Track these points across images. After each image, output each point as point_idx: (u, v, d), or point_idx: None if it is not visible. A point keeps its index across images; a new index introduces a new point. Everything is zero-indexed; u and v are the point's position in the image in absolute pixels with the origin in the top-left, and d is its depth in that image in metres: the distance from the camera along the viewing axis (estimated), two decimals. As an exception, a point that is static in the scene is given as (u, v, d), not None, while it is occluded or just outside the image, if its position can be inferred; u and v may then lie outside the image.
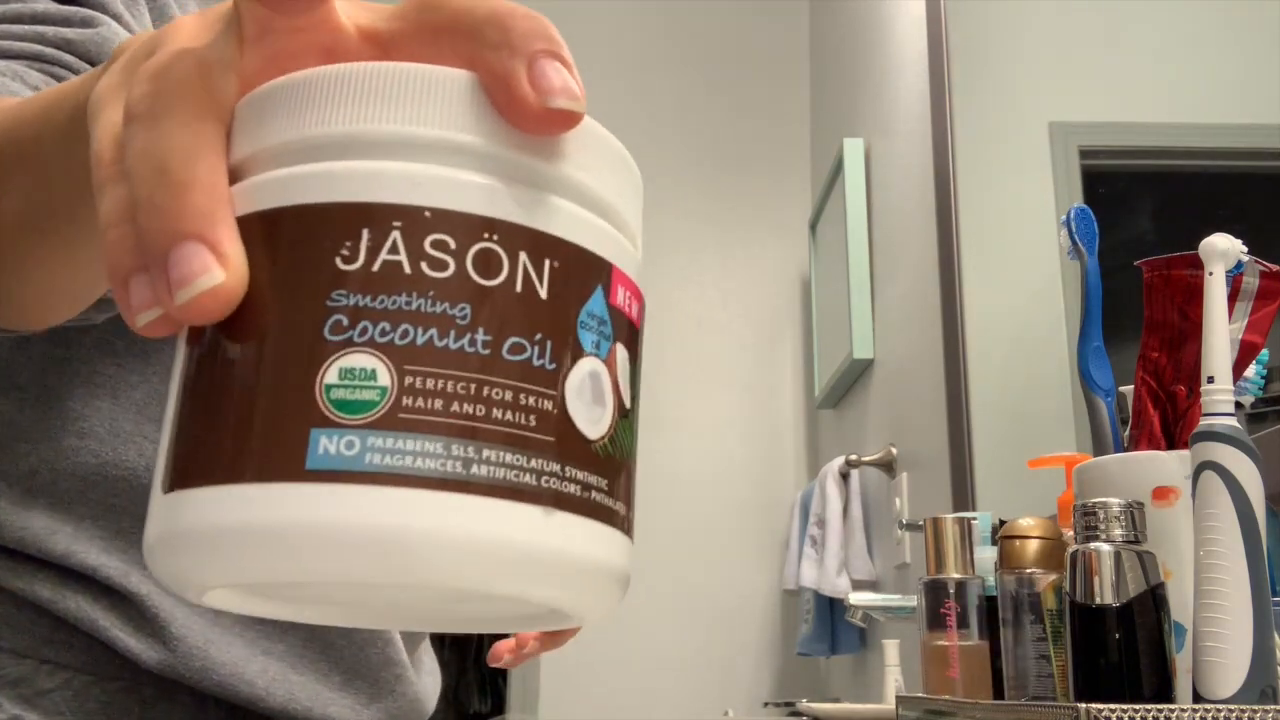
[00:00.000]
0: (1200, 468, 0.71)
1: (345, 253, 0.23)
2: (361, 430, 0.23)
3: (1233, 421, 0.71)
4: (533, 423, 0.24)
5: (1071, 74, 1.74)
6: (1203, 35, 1.40)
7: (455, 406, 0.23)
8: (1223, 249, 0.77)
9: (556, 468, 0.24)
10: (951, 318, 2.05)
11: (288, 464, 0.22)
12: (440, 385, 0.23)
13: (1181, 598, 0.74)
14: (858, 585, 2.53)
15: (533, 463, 0.24)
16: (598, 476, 0.25)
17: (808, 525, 2.72)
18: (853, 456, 2.56)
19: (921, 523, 1.13)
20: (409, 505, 0.22)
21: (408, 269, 0.23)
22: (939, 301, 2.12)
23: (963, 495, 1.95)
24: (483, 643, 5.19)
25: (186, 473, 0.24)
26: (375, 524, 0.22)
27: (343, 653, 0.78)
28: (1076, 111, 1.74)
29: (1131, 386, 0.89)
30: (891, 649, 1.94)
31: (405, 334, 0.23)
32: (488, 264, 0.24)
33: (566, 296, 0.25)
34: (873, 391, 2.65)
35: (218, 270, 0.24)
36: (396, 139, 0.25)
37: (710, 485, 3.17)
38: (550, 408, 0.24)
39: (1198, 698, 0.68)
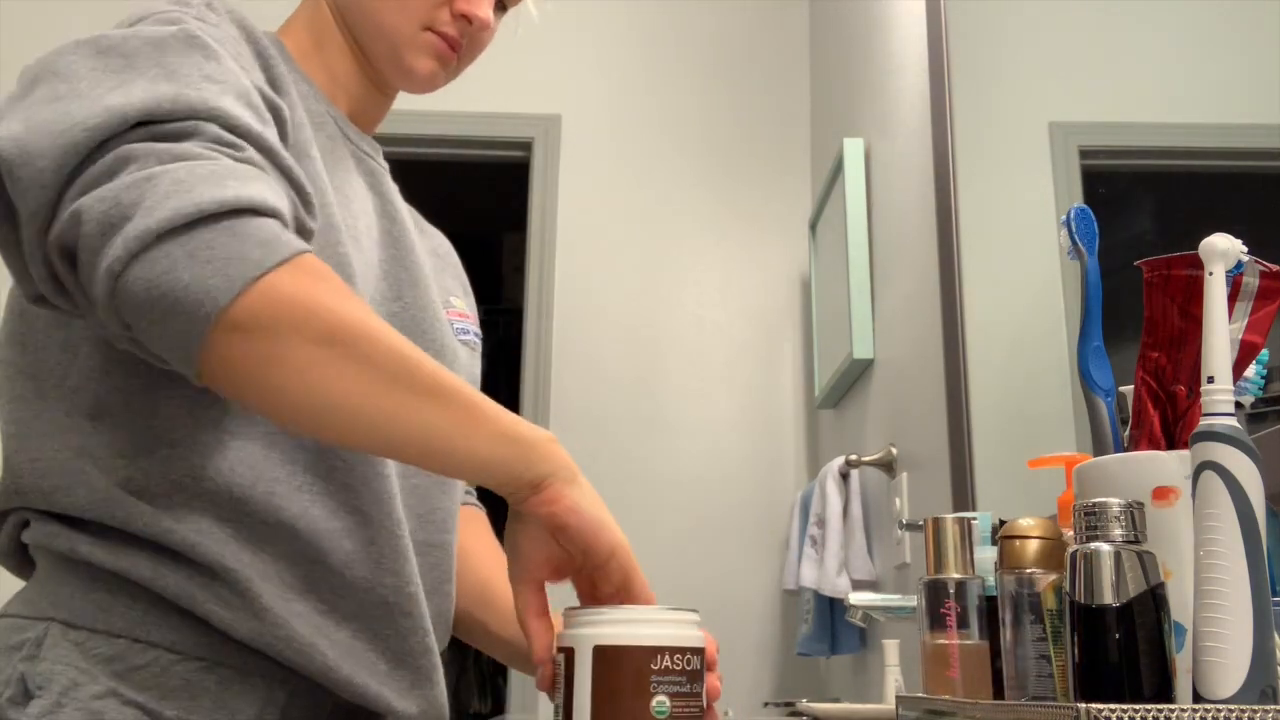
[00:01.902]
0: (1200, 468, 0.71)
1: (653, 665, 0.71)
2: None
3: (1233, 421, 0.71)
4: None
5: (1071, 74, 1.74)
6: (1203, 35, 1.40)
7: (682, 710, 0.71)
8: (1223, 249, 0.77)
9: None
10: (951, 318, 2.05)
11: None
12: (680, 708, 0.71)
13: (1181, 598, 0.74)
14: (858, 585, 2.53)
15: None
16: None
17: (808, 525, 2.72)
18: (853, 456, 2.55)
19: (921, 523, 1.13)
20: None
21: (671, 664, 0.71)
22: (939, 301, 2.12)
23: (963, 495, 1.95)
24: (483, 643, 5.17)
25: None
26: None
27: (389, 641, 0.86)
28: (1076, 111, 1.74)
29: (1131, 386, 0.89)
30: (891, 649, 1.94)
31: (681, 691, 0.71)
32: (696, 669, 0.73)
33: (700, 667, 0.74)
34: (873, 391, 2.65)
35: None
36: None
37: (710, 485, 3.17)
38: (701, 706, 0.73)
39: (1198, 698, 0.68)
